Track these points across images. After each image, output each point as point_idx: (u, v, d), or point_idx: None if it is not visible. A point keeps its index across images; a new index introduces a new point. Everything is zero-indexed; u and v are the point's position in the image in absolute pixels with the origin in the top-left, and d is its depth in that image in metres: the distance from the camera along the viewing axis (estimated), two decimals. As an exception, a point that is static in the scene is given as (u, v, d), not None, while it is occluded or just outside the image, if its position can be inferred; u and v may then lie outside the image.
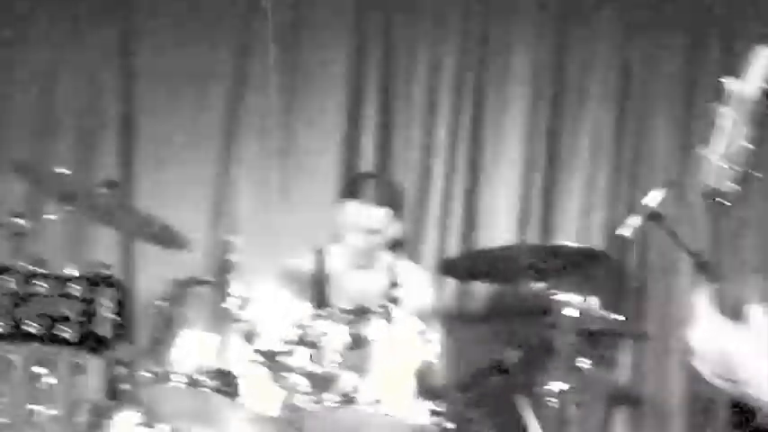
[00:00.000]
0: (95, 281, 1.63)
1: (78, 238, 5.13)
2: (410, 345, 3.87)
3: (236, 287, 3.86)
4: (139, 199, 5.11)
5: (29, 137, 5.26)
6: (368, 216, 4.42)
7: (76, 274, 1.66)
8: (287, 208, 5.16)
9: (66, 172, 4.19)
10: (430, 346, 3.94)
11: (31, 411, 4.04)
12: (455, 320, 5.06)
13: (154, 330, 4.09)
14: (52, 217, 4.05)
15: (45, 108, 5.28)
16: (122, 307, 1.64)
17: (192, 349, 3.90)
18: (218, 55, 5.29)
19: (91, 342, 1.59)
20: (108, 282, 1.64)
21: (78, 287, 1.62)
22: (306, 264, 4.57)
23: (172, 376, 3.82)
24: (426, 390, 3.89)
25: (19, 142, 5.25)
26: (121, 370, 4.04)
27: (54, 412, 4.08)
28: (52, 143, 5.25)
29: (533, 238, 5.22)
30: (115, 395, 4.07)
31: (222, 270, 3.93)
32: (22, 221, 3.87)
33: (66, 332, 1.60)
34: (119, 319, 1.63)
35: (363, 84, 5.33)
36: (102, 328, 1.59)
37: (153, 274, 4.72)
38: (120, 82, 5.30)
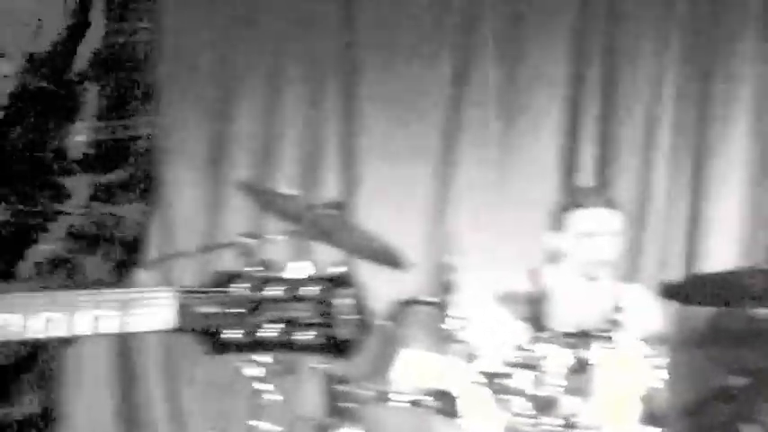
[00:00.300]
0: (331, 280, 1.53)
1: (302, 258, 5.20)
2: (637, 369, 3.78)
3: (456, 308, 3.85)
4: (360, 218, 5.17)
5: (253, 157, 5.40)
6: (603, 220, 4.23)
7: (310, 274, 1.55)
8: (505, 227, 5.12)
9: (292, 192, 4.27)
10: (657, 372, 3.83)
11: (254, 426, 4.10)
12: (678, 345, 4.91)
13: (375, 349, 4.11)
14: (277, 237, 4.11)
15: (268, 128, 5.41)
16: (361, 305, 1.53)
17: (413, 369, 3.91)
18: (436, 76, 5.32)
19: (332, 346, 1.48)
20: (344, 280, 1.53)
21: (315, 288, 1.51)
22: (524, 285, 4.50)
23: (392, 395, 3.84)
24: (652, 416, 3.79)
25: (244, 163, 5.40)
26: (343, 387, 4.06)
27: (276, 428, 4.11)
28: (276, 163, 5.38)
29: (762, 261, 5.02)
30: (336, 412, 4.09)
31: (443, 290, 3.93)
32: (250, 240, 3.95)
33: (306, 336, 1.50)
34: (360, 318, 1.51)
35: (582, 100, 5.25)
36: (342, 329, 1.49)
37: (374, 293, 4.73)
38: (341, 101, 5.39)
